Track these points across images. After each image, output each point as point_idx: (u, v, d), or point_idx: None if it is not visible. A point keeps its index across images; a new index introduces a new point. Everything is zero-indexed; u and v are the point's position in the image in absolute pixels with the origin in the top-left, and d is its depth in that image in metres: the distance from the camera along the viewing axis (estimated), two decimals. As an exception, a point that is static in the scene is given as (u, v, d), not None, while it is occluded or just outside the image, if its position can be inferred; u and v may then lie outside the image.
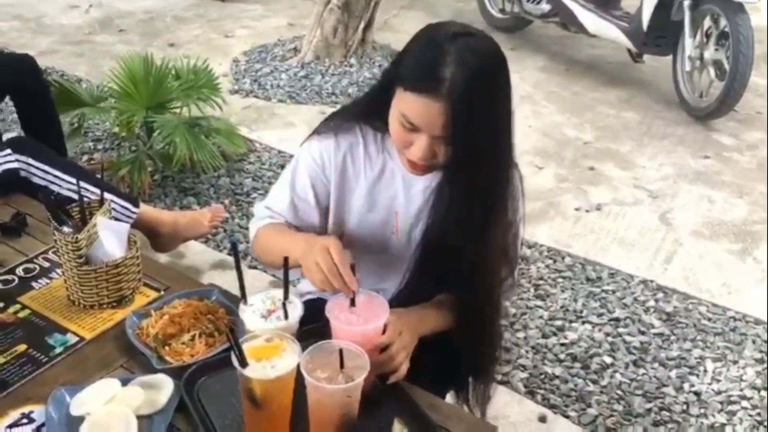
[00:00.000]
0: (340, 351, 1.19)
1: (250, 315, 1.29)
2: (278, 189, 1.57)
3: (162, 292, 1.58)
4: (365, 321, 1.27)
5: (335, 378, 1.18)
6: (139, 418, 1.26)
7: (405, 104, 1.30)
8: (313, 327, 1.37)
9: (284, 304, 1.29)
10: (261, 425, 1.23)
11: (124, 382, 1.32)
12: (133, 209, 2.31)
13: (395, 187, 1.50)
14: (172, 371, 1.35)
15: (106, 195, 1.61)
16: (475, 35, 1.31)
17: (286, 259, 1.32)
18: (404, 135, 1.33)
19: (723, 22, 3.94)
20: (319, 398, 1.18)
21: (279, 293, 1.31)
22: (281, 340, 1.22)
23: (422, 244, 1.49)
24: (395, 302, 1.42)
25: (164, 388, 1.31)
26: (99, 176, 1.63)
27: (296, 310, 1.30)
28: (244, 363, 1.17)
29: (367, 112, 1.47)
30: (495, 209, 1.40)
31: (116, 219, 1.76)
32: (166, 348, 1.41)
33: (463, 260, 1.42)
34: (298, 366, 1.18)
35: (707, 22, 4.09)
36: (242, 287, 1.31)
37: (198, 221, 2.61)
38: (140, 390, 1.30)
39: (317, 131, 1.53)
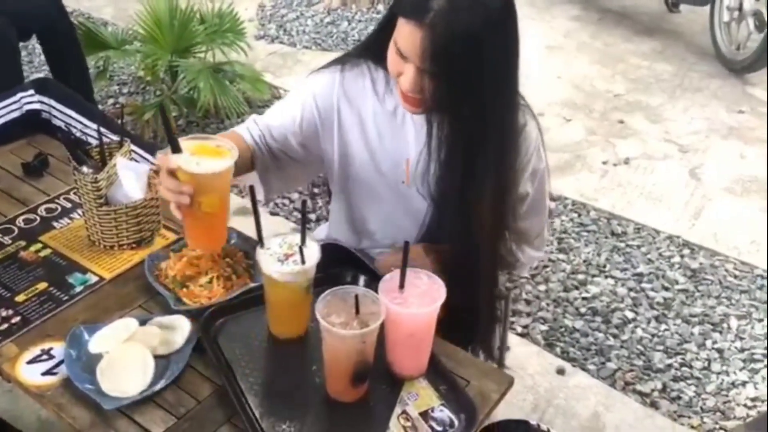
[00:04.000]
0: (356, 296, 1.18)
1: (266, 258, 1.28)
2: (282, 108, 1.54)
3: (181, 235, 1.58)
4: (418, 303, 1.22)
5: (350, 323, 1.17)
6: (156, 357, 1.27)
7: (397, 31, 1.29)
8: (329, 272, 1.37)
9: (301, 249, 1.28)
10: (189, 223, 1.32)
11: (142, 322, 1.33)
12: (150, 158, 2.30)
13: (406, 131, 1.46)
14: (190, 313, 1.35)
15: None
16: None
17: (303, 202, 1.32)
18: (396, 63, 1.31)
19: (765, -30, 3.80)
20: (334, 343, 1.18)
21: (296, 238, 1.30)
22: (228, 150, 1.28)
23: (434, 191, 1.46)
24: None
25: (181, 329, 1.32)
26: (120, 121, 1.62)
27: (313, 255, 1.29)
28: (177, 149, 1.23)
29: (374, 48, 1.42)
30: (488, 151, 1.34)
31: (136, 162, 1.75)
32: (184, 290, 1.42)
33: (457, 207, 1.39)
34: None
35: (749, -29, 3.94)
36: (259, 231, 1.30)
37: None
38: (158, 330, 1.31)
39: (326, 65, 1.50)
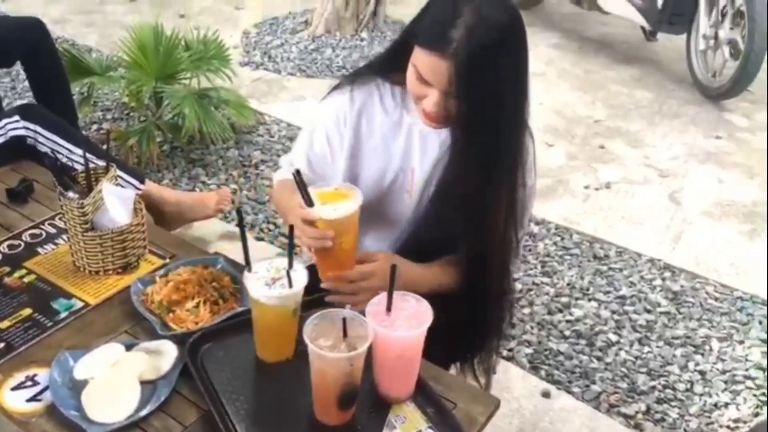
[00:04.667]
0: (344, 320, 1.19)
1: (254, 282, 1.28)
2: (299, 142, 1.64)
3: (167, 260, 1.58)
4: (405, 326, 1.22)
5: (338, 346, 1.18)
6: (143, 383, 1.27)
7: (417, 59, 1.35)
8: (315, 297, 1.38)
9: (288, 273, 1.29)
10: (326, 262, 1.40)
11: (128, 347, 1.33)
12: (139, 185, 2.31)
13: (412, 142, 1.53)
14: (176, 338, 1.35)
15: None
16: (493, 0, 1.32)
17: (291, 227, 1.33)
18: (418, 88, 1.37)
19: (739, 0, 3.88)
20: (322, 366, 1.18)
21: (284, 262, 1.31)
22: (348, 190, 1.39)
23: (435, 197, 1.50)
24: (407, 253, 1.47)
25: (168, 354, 1.32)
26: (105, 146, 1.63)
27: (300, 279, 1.30)
28: (310, 203, 1.34)
29: (386, 66, 1.51)
30: (503, 168, 1.42)
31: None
32: (171, 315, 1.42)
33: (473, 217, 1.44)
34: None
35: (723, 1, 4.02)
36: (247, 255, 1.31)
37: (204, 203, 2.60)
38: (144, 355, 1.31)
39: (335, 88, 1.56)
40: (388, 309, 1.24)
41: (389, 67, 1.49)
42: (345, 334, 1.19)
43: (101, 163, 1.59)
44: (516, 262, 1.64)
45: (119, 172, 1.69)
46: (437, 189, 1.51)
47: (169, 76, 3.33)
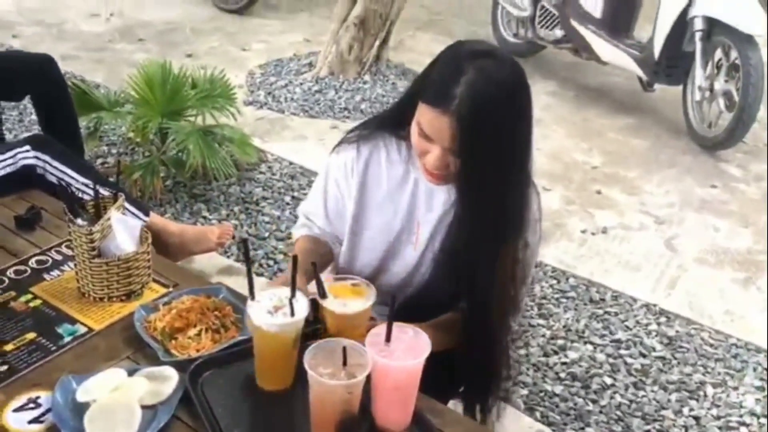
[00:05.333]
0: (344, 348, 1.21)
1: (257, 310, 1.31)
2: (313, 196, 1.69)
3: (171, 289, 1.61)
4: (403, 356, 1.25)
5: (338, 374, 1.20)
6: (144, 407, 1.28)
7: (421, 115, 1.37)
8: (315, 328, 1.40)
9: (291, 302, 1.32)
10: None
11: (130, 373, 1.35)
12: (144, 217, 2.34)
13: (418, 196, 1.55)
14: (178, 364, 1.37)
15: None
16: (496, 58, 1.36)
17: (294, 257, 1.37)
18: (421, 143, 1.40)
19: (734, 54, 3.98)
20: (321, 393, 1.20)
21: (286, 291, 1.34)
22: (365, 287, 1.41)
23: (439, 254, 1.53)
24: (410, 308, 1.46)
25: (169, 379, 1.34)
26: (114, 179, 1.67)
27: (302, 309, 1.33)
28: (323, 294, 1.37)
29: (393, 121, 1.53)
30: (506, 227, 1.43)
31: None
32: (173, 342, 1.44)
33: (475, 276, 1.46)
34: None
35: (718, 54, 4.12)
36: (251, 284, 1.34)
37: (206, 236, 2.63)
38: (145, 380, 1.33)
39: (344, 140, 1.60)
40: (387, 339, 1.27)
41: (396, 121, 1.51)
42: (345, 363, 1.21)
43: (109, 192, 1.63)
44: (517, 317, 1.66)
45: (126, 204, 1.72)
46: (441, 246, 1.54)
47: (175, 112, 3.39)
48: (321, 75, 4.74)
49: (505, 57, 1.39)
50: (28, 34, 5.31)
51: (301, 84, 4.67)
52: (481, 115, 1.30)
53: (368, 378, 1.23)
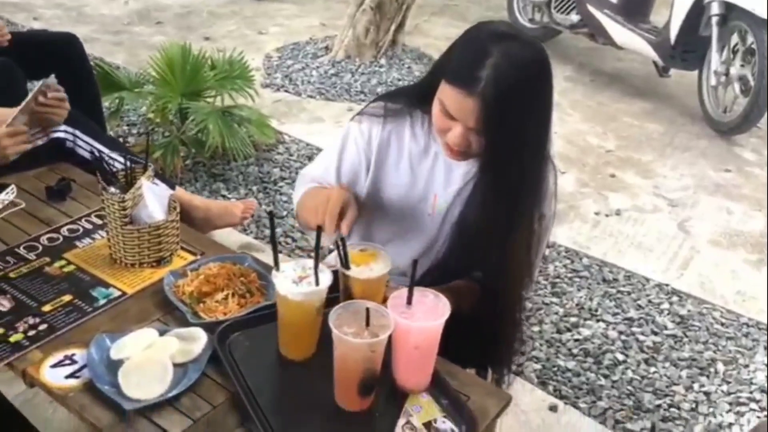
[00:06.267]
0: (367, 310, 1.27)
1: (282, 280, 1.35)
2: (325, 160, 1.67)
3: (198, 256, 1.66)
4: (424, 318, 1.30)
5: (361, 334, 1.25)
6: (175, 365, 1.34)
7: (444, 94, 1.40)
8: (336, 296, 1.45)
9: (315, 270, 1.36)
10: None
11: (162, 333, 1.41)
12: (169, 190, 2.40)
13: (437, 168, 1.59)
14: (206, 326, 1.43)
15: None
16: (519, 39, 1.39)
17: (319, 227, 1.41)
18: (443, 121, 1.43)
19: (750, 38, 3.98)
20: (345, 351, 1.26)
21: (309, 262, 1.38)
22: (374, 249, 1.44)
23: (457, 226, 1.58)
24: (428, 279, 1.51)
25: (198, 339, 1.40)
26: (142, 157, 1.72)
27: (326, 278, 1.37)
28: (347, 265, 1.38)
29: (417, 96, 1.56)
30: (524, 203, 1.48)
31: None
32: (201, 305, 1.49)
33: (492, 248, 1.50)
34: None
35: (734, 38, 4.13)
36: (275, 255, 1.38)
37: (230, 211, 2.68)
38: (176, 340, 1.39)
39: (367, 110, 1.63)
40: (409, 302, 1.32)
41: (420, 96, 1.54)
42: (368, 323, 1.26)
43: (140, 161, 1.68)
44: (531, 287, 1.70)
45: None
46: (459, 219, 1.58)
47: (195, 93, 3.45)
48: (337, 58, 4.78)
49: (529, 40, 1.41)
50: (48, 16, 5.38)
51: (318, 67, 4.71)
52: (506, 98, 1.33)
53: (390, 339, 1.28)
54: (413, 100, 1.58)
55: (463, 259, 1.59)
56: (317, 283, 1.35)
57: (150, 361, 1.34)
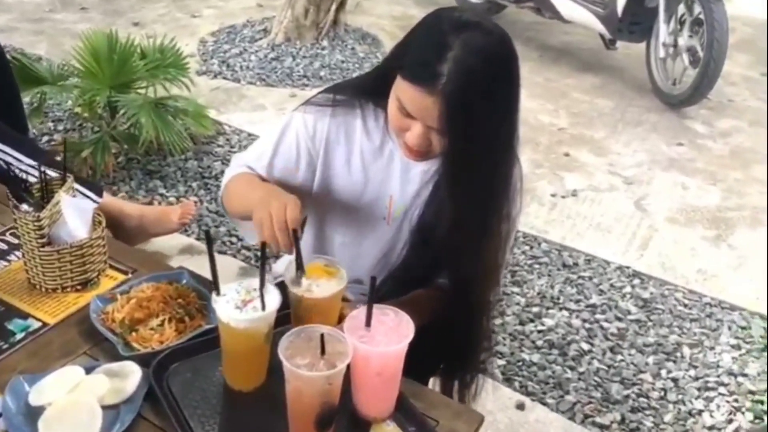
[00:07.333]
0: (322, 336, 1.12)
1: (223, 306, 1.19)
2: (260, 147, 1.50)
3: (129, 275, 1.49)
4: (385, 341, 1.17)
5: (316, 365, 1.11)
6: (105, 408, 1.18)
7: (402, 91, 1.27)
8: (286, 313, 1.30)
9: (261, 293, 1.21)
10: None
11: (89, 370, 1.24)
12: (96, 199, 2.20)
13: (392, 168, 1.46)
14: (140, 358, 1.27)
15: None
16: (482, 27, 1.25)
17: (263, 244, 1.25)
18: (400, 120, 1.30)
19: (697, 8, 3.94)
20: (299, 386, 1.11)
21: (254, 282, 1.22)
22: (330, 264, 1.30)
23: (418, 231, 1.44)
24: (386, 286, 1.39)
25: (131, 376, 1.23)
26: (59, 159, 1.53)
27: (274, 300, 1.22)
28: (300, 266, 1.26)
29: (369, 90, 1.42)
30: (493, 205, 1.36)
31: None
32: (133, 334, 1.33)
33: (461, 254, 1.38)
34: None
35: (681, 9, 4.08)
36: (215, 277, 1.22)
37: (167, 217, 2.49)
38: (106, 378, 1.23)
39: (313, 101, 1.47)
40: (368, 323, 1.18)
41: (372, 90, 1.41)
42: (323, 352, 1.12)
43: (56, 174, 1.50)
44: (498, 290, 1.59)
45: (76, 185, 1.59)
46: (419, 223, 1.45)
47: (124, 84, 3.22)
48: (277, 41, 4.58)
49: (492, 27, 1.27)
50: (-37, 5, 5.03)
51: (257, 51, 4.51)
52: (470, 93, 1.21)
53: (348, 367, 1.14)
54: (365, 92, 1.43)
55: (423, 266, 1.47)
56: (263, 308, 1.20)
57: (75, 405, 1.18)
